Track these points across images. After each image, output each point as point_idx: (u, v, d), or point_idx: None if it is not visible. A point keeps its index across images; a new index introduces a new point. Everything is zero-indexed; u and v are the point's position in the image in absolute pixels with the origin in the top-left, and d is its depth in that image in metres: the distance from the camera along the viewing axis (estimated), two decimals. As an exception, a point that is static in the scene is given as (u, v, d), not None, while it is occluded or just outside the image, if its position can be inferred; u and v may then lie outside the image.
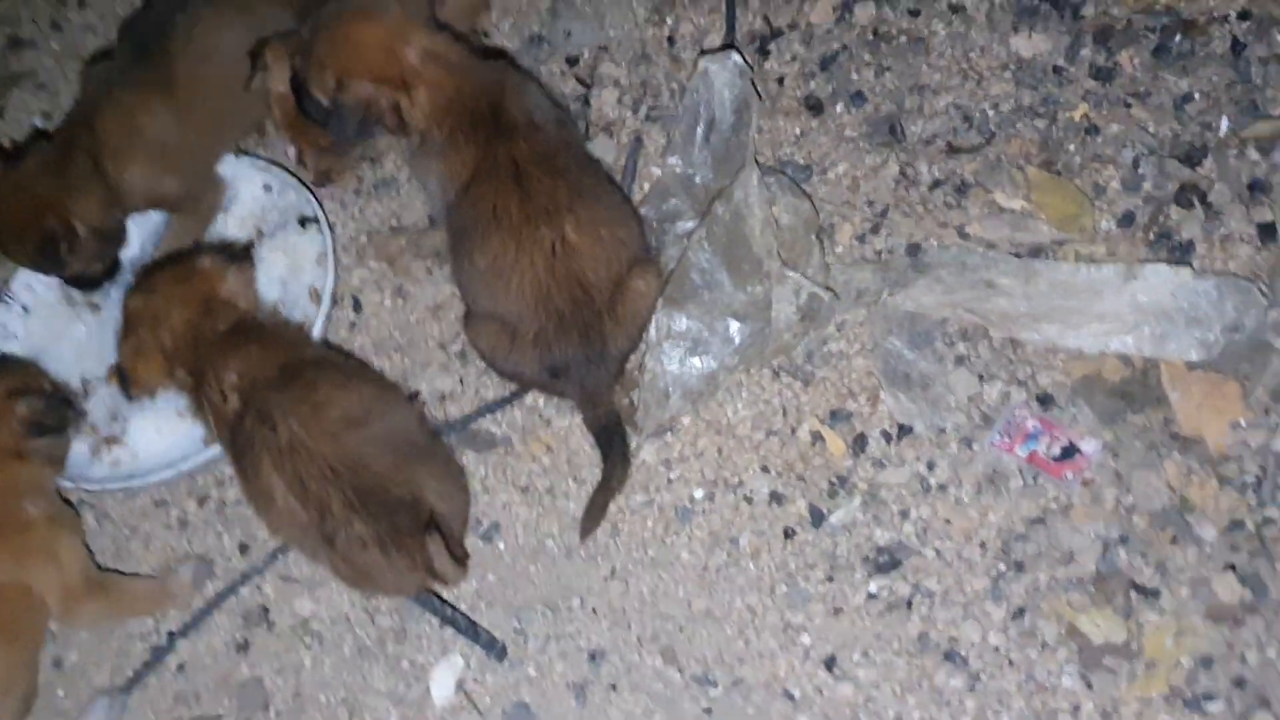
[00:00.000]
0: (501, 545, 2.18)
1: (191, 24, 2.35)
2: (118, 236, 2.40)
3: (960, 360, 2.18)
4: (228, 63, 2.36)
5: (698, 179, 2.37)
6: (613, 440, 2.14)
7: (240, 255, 2.15)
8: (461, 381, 2.34)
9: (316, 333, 2.29)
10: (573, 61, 2.65)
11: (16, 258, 2.34)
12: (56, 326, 2.52)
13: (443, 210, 2.19)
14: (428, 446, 2.00)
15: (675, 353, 2.14)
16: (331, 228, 2.44)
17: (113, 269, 2.48)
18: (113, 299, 2.51)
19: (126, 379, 2.04)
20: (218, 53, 2.35)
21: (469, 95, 2.10)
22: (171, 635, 2.20)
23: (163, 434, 2.34)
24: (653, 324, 2.15)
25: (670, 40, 2.65)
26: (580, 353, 2.07)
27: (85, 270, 2.40)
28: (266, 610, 2.19)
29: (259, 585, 2.22)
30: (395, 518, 1.88)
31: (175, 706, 2.15)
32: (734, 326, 2.14)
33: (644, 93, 2.59)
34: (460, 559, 1.93)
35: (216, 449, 2.25)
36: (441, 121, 2.07)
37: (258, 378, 1.96)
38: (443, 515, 1.92)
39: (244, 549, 2.26)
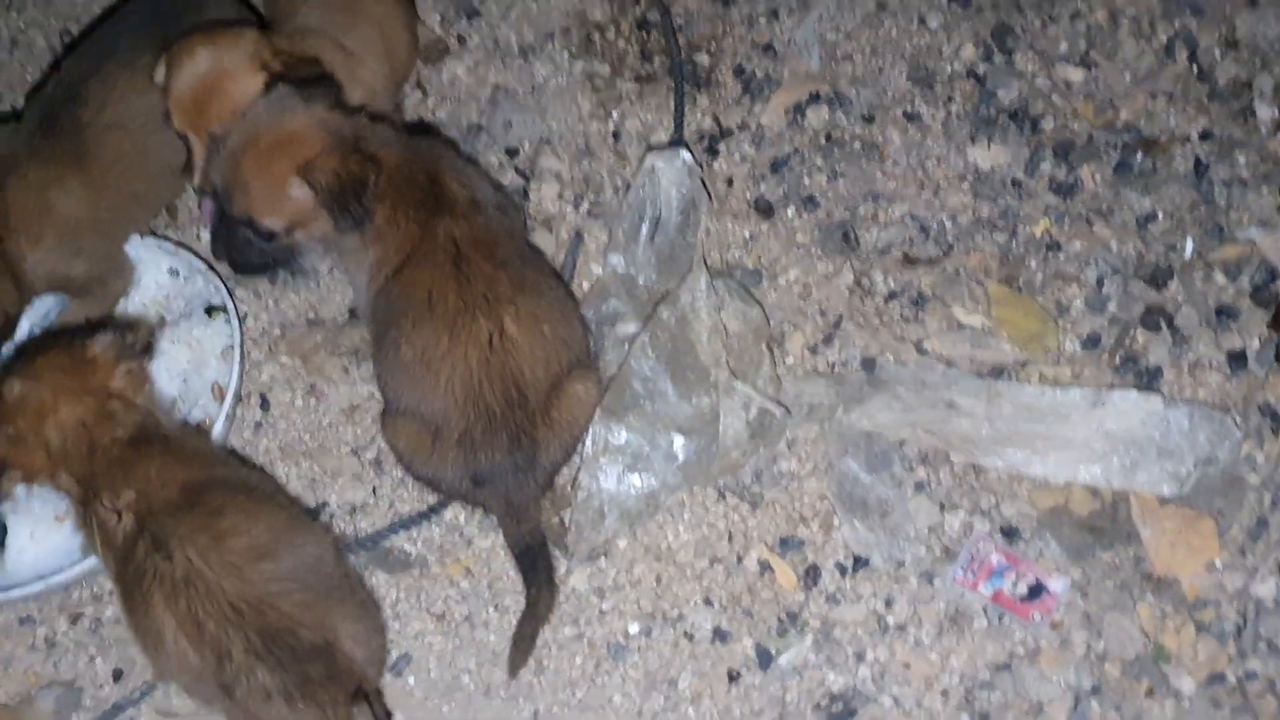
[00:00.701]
0: (412, 680, 1.96)
1: (105, 92, 2.15)
2: (13, 324, 2.16)
3: (920, 486, 2.02)
4: (143, 134, 2.16)
5: (641, 280, 2.23)
6: (537, 562, 1.95)
7: (139, 343, 1.90)
8: (375, 492, 2.14)
9: (218, 433, 2.08)
10: (512, 153, 2.51)
11: None
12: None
13: (367, 298, 2.00)
14: (342, 581, 1.78)
15: (613, 469, 1.96)
16: (241, 319, 2.23)
17: (-9, 359, 2.24)
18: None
19: None
20: (133, 123, 2.16)
21: (408, 171, 1.93)
22: (25, 777, 1.91)
23: (36, 540, 2.09)
24: (589, 436, 1.96)
25: (615, 135, 2.53)
26: (508, 459, 1.88)
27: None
28: (140, 749, 1.93)
29: (135, 717, 1.95)
30: (305, 665, 1.65)
31: None
32: (678, 441, 1.97)
33: (586, 188, 2.46)
34: None
35: (95, 561, 2.00)
36: (381, 201, 1.89)
37: (157, 497, 1.72)
38: (358, 664, 1.68)
39: (118, 675, 2.01)
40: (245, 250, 1.99)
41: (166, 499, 1.73)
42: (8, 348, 2.21)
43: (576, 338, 2.01)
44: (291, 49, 2.09)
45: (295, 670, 1.66)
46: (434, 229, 1.94)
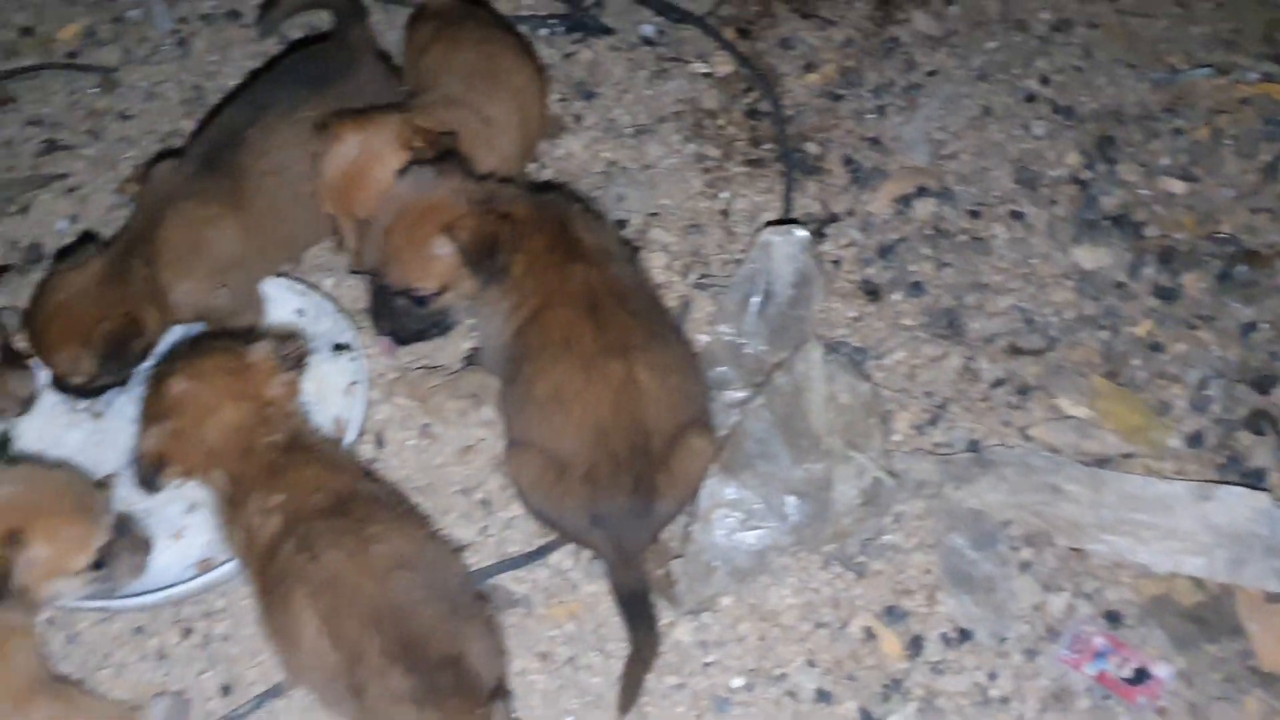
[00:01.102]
0: (516, 717, 1.97)
1: (264, 140, 2.28)
2: (152, 349, 2.26)
3: (1025, 566, 2.05)
4: (296, 183, 2.28)
5: (748, 349, 2.29)
6: (641, 610, 1.98)
7: (293, 356, 1.98)
8: (483, 532, 2.19)
9: (337, 465, 2.13)
10: (622, 224, 2.60)
11: (67, 359, 2.17)
12: (54, 429, 2.35)
13: (500, 341, 2.09)
14: (472, 603, 1.82)
15: (726, 524, 2.00)
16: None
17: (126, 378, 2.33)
18: (115, 407, 2.36)
19: (152, 469, 1.84)
20: (288, 171, 2.28)
21: (540, 222, 2.03)
22: (132, 780, 1.94)
23: (154, 554, 2.13)
24: (704, 490, 2.01)
25: (724, 213, 2.63)
26: (627, 502, 1.93)
27: (110, 379, 2.24)
28: (243, 764, 1.96)
29: (239, 734, 1.98)
30: (436, 674, 1.68)
31: None
32: (791, 503, 2.01)
33: (694, 260, 2.54)
34: None
35: (212, 577, 2.06)
36: (518, 251, 1.98)
37: (306, 502, 1.78)
38: (484, 680, 1.72)
39: (226, 690, 2.04)
40: (404, 320, 2.10)
41: (315, 505, 1.79)
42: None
43: (698, 393, 2.07)
44: (432, 125, 2.20)
45: (426, 678, 1.69)
46: (570, 275, 2.03)
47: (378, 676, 1.68)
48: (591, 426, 1.93)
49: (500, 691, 1.71)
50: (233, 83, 2.98)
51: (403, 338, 2.16)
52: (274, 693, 2.03)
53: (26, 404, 2.27)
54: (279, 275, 2.47)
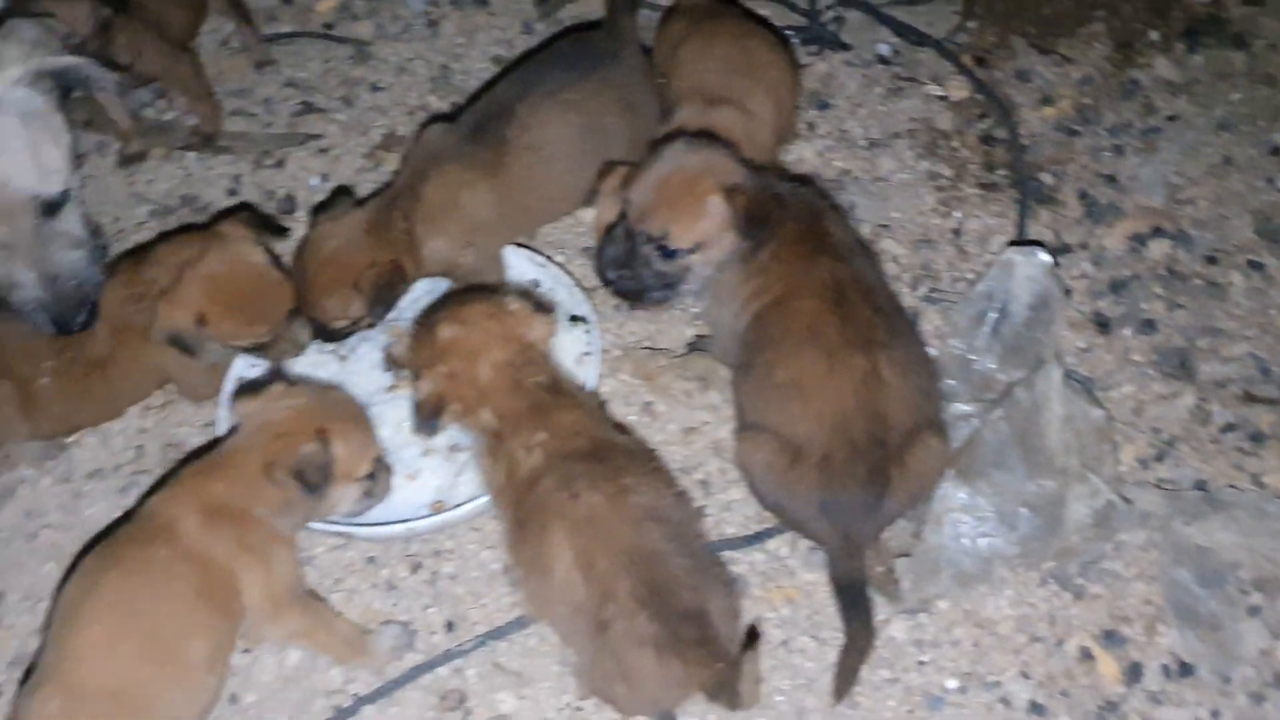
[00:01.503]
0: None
1: (529, 117, 2.40)
2: (401, 296, 2.39)
3: (1253, 611, 2.03)
4: (556, 159, 2.40)
5: (977, 365, 2.31)
6: (858, 601, 2.01)
7: (544, 305, 2.08)
8: (701, 512, 2.23)
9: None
10: (851, 232, 2.63)
11: (339, 303, 2.31)
12: (304, 370, 2.48)
13: (734, 326, 2.15)
14: (714, 560, 1.88)
15: (957, 528, 2.03)
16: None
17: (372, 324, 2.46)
18: (359, 352, 2.48)
19: (432, 411, 1.95)
20: (549, 147, 2.39)
21: (796, 211, 2.09)
22: (358, 699, 2.04)
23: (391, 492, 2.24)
24: (939, 492, 2.03)
25: (956, 232, 2.65)
26: (859, 493, 1.97)
27: (365, 324, 2.37)
28: (464, 697, 2.05)
29: (461, 668, 2.07)
30: (680, 624, 1.74)
31: (347, 775, 1.98)
32: (1023, 515, 2.03)
33: (923, 274, 2.57)
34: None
35: (448, 517, 2.15)
36: (773, 235, 2.04)
37: (567, 444, 1.87)
38: (724, 636, 1.77)
39: (450, 627, 2.13)
40: (641, 270, 2.16)
41: (576, 447, 1.88)
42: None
43: (934, 395, 2.10)
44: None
45: (671, 626, 1.75)
46: (817, 266, 2.08)
47: (624, 617, 1.75)
48: (831, 415, 1.98)
49: (753, 639, 1.74)
50: (478, 66, 3.12)
51: (627, 288, 2.21)
52: (497, 634, 2.11)
53: (302, 349, 2.40)
54: (520, 246, 2.56)
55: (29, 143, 2.18)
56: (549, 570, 1.80)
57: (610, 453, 1.88)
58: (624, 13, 2.53)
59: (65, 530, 2.35)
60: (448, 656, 2.08)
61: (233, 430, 2.03)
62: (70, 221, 2.28)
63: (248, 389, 2.09)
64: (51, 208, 2.23)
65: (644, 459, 1.93)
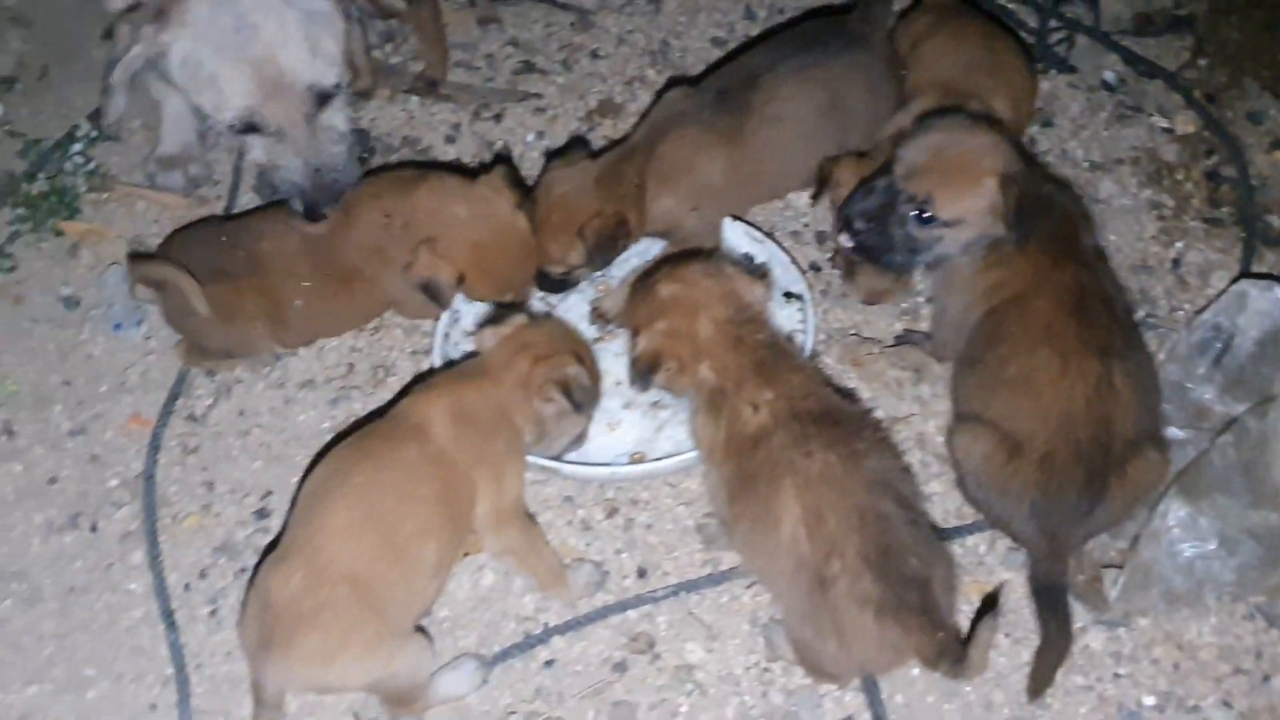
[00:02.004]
0: (914, 672, 2.01)
1: (775, 88, 2.43)
2: (624, 249, 2.43)
3: None
4: (794, 133, 2.43)
5: (1194, 394, 2.27)
6: (1056, 606, 1.99)
7: (759, 271, 2.10)
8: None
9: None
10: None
11: (561, 247, 2.37)
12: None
13: (961, 317, 2.17)
14: (937, 538, 1.88)
15: (1174, 545, 2.00)
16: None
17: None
18: (568, 302, 2.55)
19: (648, 366, 1.98)
20: (790, 122, 2.42)
21: (1050, 212, 2.08)
22: (550, 629, 2.08)
23: (591, 434, 2.28)
24: (1160, 507, 2.00)
25: (1175, 262, 2.62)
26: (1075, 497, 1.95)
27: (577, 274, 2.42)
28: (653, 642, 2.07)
29: (652, 614, 2.10)
30: (903, 591, 1.75)
31: (535, 698, 2.02)
32: (1245, 542, 1.98)
33: (1139, 299, 2.53)
34: None
35: (651, 468, 2.18)
36: (1022, 226, 2.04)
37: (797, 405, 1.89)
38: (945, 608, 1.78)
39: (641, 573, 2.16)
40: (893, 228, 2.15)
41: (807, 408, 1.89)
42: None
43: (1158, 410, 2.08)
44: None
45: (896, 590, 1.76)
46: (1063, 270, 2.07)
47: (849, 575, 1.76)
48: (1058, 415, 1.96)
49: (991, 606, 1.73)
50: (697, 45, 3.17)
51: (870, 243, 2.20)
52: (690, 586, 2.13)
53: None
54: (738, 220, 2.59)
55: (309, 36, 2.30)
56: (776, 524, 1.81)
57: (842, 416, 1.90)
58: (878, 1, 2.54)
59: (275, 432, 2.43)
60: (639, 601, 2.11)
61: (470, 355, 2.09)
62: (337, 117, 2.41)
63: (490, 320, 2.16)
64: (323, 99, 2.35)
65: (874, 427, 1.93)
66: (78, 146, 2.92)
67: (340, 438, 2.03)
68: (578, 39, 3.20)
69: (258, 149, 2.38)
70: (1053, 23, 3.08)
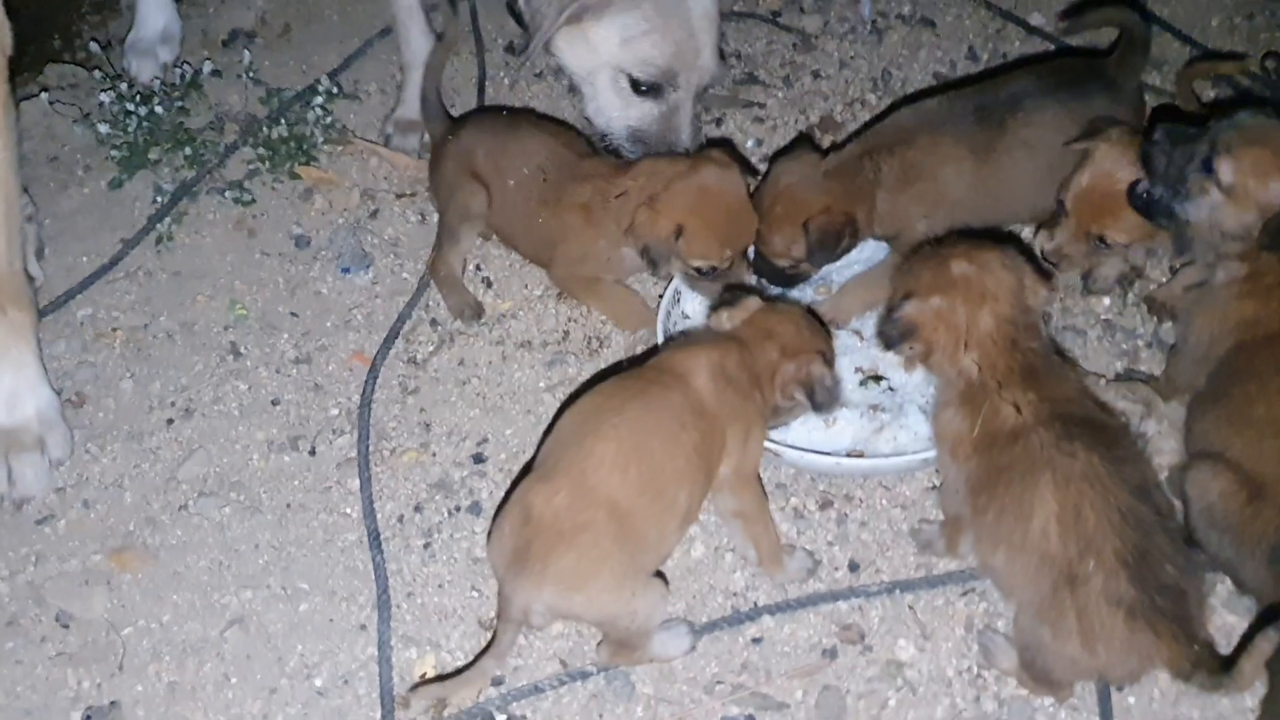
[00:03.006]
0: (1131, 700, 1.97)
1: (1034, 113, 2.45)
2: (852, 246, 2.44)
3: None
4: (1043, 162, 2.43)
5: None
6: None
7: (1048, 275, 2.10)
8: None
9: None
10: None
11: (784, 239, 2.40)
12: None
13: (1204, 349, 2.15)
14: (1191, 553, 1.86)
15: None
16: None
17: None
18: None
19: (901, 335, 1.99)
20: (1043, 149, 2.43)
21: None
22: (760, 607, 2.08)
23: (809, 428, 2.29)
24: None
25: None
26: None
27: (799, 268, 2.44)
28: (864, 634, 2.06)
29: (864, 607, 2.09)
30: (1159, 596, 1.73)
31: (741, 672, 2.02)
32: None
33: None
34: None
35: (877, 464, 2.18)
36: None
37: (1061, 409, 1.88)
38: (1201, 621, 1.75)
39: (853, 567, 2.15)
40: (1182, 182, 2.12)
41: (1071, 412, 1.88)
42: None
43: None
44: None
45: (1150, 594, 1.74)
46: None
47: (1103, 574, 1.74)
48: (1311, 460, 1.92)
49: (1273, 620, 1.70)
50: (918, 77, 3.20)
51: (1158, 192, 2.17)
52: (906, 586, 2.12)
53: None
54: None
55: (717, 23, 2.53)
56: (1027, 518, 1.80)
57: (1104, 424, 1.88)
58: (1136, 50, 2.55)
59: (492, 385, 2.49)
60: (853, 593, 2.10)
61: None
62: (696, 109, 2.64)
63: (724, 302, 2.18)
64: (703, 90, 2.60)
65: (1136, 440, 1.92)
66: (318, 100, 3.03)
67: (558, 397, 2.05)
68: (799, 59, 3.25)
69: (637, 112, 2.59)
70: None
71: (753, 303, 2.10)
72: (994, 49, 3.25)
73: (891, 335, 2.01)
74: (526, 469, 2.00)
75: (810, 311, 2.28)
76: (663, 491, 1.85)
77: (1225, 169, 2.06)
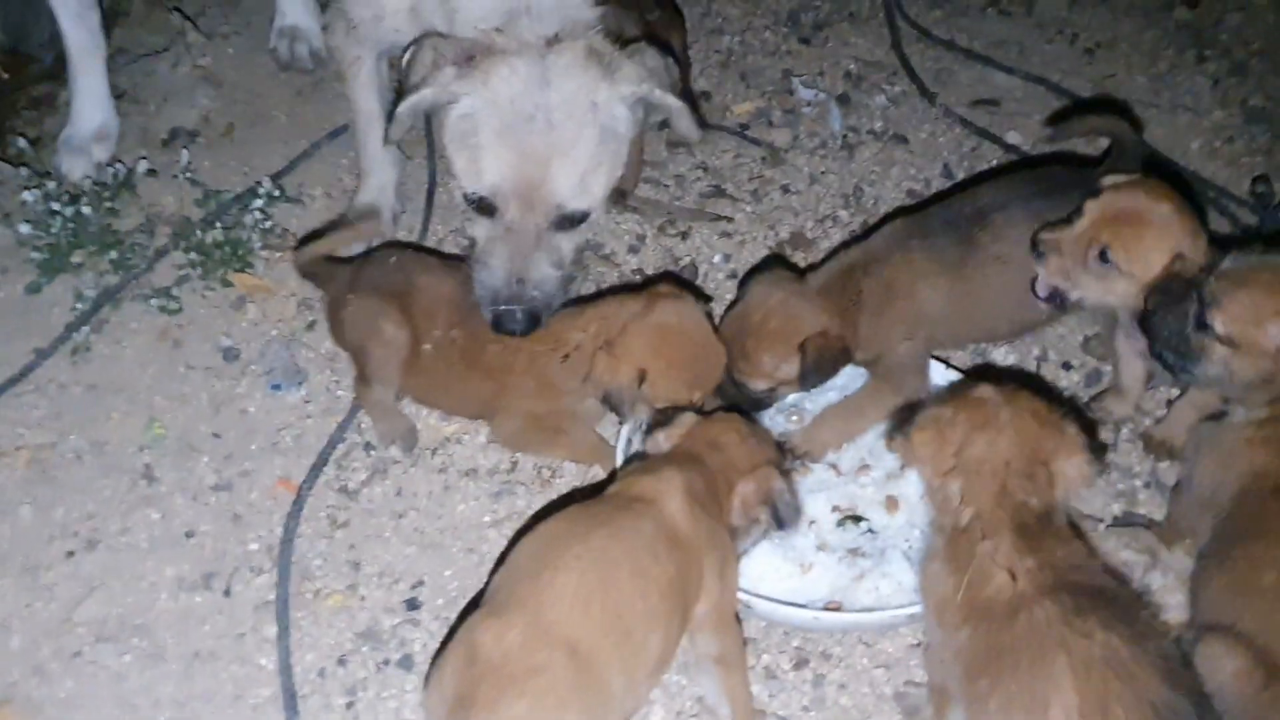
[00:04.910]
0: None
1: (1007, 227, 2.30)
2: (835, 372, 2.27)
3: None
4: (1018, 277, 2.27)
5: None
6: None
7: (1097, 450, 1.89)
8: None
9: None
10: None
11: (773, 360, 2.23)
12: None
13: (1210, 494, 1.97)
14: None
15: None
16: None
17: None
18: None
19: (901, 418, 1.85)
20: (1017, 263, 2.27)
21: None
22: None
23: (782, 575, 2.08)
24: None
25: None
26: None
27: (779, 393, 2.27)
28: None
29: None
30: None
31: None
32: None
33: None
34: None
35: (859, 619, 1.97)
36: None
37: (1065, 577, 1.67)
38: None
39: (836, 738, 1.91)
40: (1177, 340, 2.00)
41: (1077, 581, 1.67)
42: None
43: None
44: None
45: None
46: None
47: None
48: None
49: None
50: (891, 194, 3.08)
51: (1168, 358, 2.04)
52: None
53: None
54: (940, 361, 2.41)
55: (593, 160, 2.16)
56: (1041, 710, 1.57)
57: (1116, 594, 1.67)
58: (1128, 159, 2.43)
59: (431, 518, 2.28)
60: (834, 767, 1.86)
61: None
62: (568, 242, 2.24)
63: (658, 424, 2.01)
64: (563, 223, 2.19)
65: (1147, 607, 1.70)
66: (258, 202, 2.84)
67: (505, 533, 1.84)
68: (768, 173, 3.13)
69: (481, 230, 2.23)
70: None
71: (687, 418, 1.92)
72: (969, 167, 3.14)
73: (895, 435, 1.85)
74: (466, 615, 1.75)
75: (790, 446, 2.11)
76: (631, 633, 1.62)
77: (1218, 322, 1.92)
